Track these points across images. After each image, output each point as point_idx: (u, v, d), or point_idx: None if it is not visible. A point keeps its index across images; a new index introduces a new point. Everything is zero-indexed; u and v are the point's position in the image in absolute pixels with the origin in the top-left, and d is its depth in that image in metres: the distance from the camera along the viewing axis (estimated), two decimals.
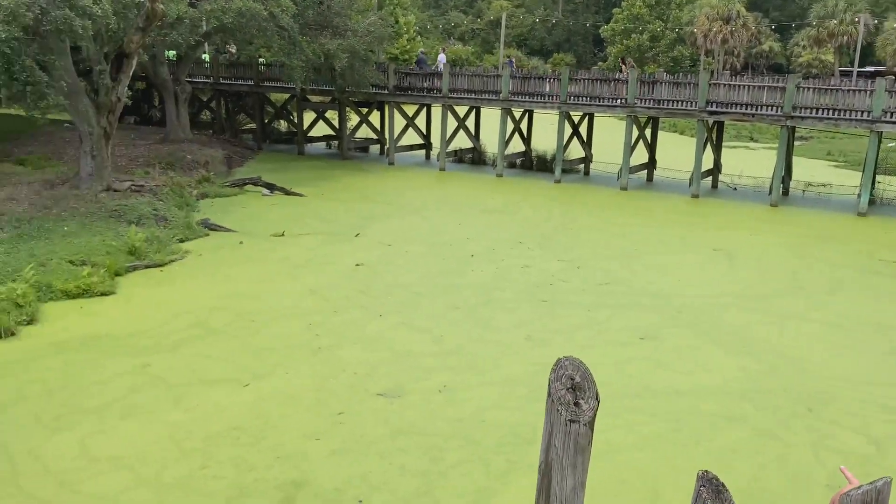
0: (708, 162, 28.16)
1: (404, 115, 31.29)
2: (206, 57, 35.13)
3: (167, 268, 16.15)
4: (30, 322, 12.53)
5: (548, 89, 27.92)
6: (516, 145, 31.69)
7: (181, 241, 18.09)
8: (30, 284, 13.20)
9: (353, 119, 33.42)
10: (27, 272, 13.50)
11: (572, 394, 3.84)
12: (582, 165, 30.74)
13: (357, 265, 16.61)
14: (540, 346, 12.39)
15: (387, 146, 32.15)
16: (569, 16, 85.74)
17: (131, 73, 20.59)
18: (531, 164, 31.31)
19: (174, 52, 30.60)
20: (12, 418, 9.55)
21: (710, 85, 25.29)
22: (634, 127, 27.32)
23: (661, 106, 26.22)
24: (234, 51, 36.21)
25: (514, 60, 36.45)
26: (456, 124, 30.71)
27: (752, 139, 47.24)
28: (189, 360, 11.50)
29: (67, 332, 12.34)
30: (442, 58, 34.12)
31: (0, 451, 8.78)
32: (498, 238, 19.42)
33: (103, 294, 14.16)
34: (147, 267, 16.00)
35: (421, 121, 33.08)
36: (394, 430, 9.51)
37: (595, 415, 3.87)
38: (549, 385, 3.89)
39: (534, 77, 29.03)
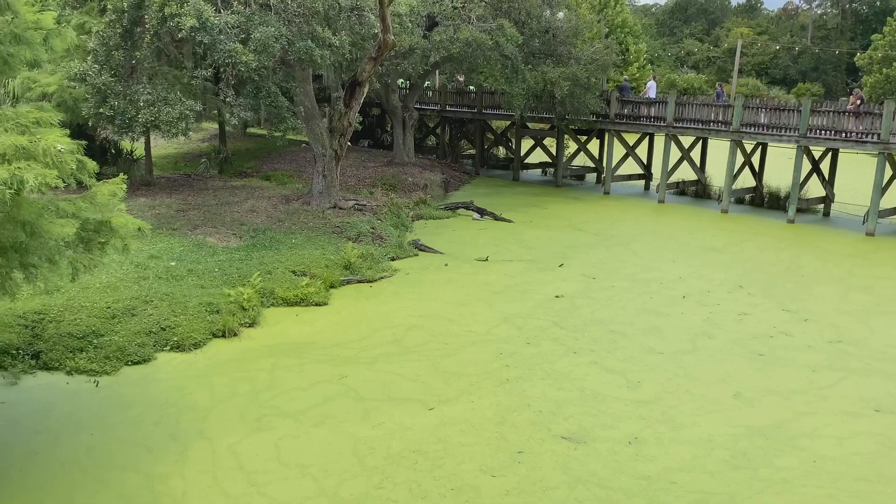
0: None
1: (624, 143, 30.40)
2: (427, 84, 36.80)
3: (376, 284, 16.91)
4: (251, 325, 13.70)
5: (784, 121, 25.56)
6: (746, 180, 29.38)
7: (392, 259, 18.91)
8: (256, 290, 14.47)
9: (571, 147, 33.06)
10: (255, 279, 14.83)
11: None
12: (821, 206, 27.70)
13: (556, 296, 16.22)
14: (748, 406, 11.14)
15: (603, 175, 31.42)
16: (818, 42, 78.60)
17: (363, 100, 22.06)
18: (762, 200, 28.83)
19: (406, 81, 32.44)
20: (222, 413, 10.42)
21: None
22: (888, 165, 24.09)
23: None
24: (461, 79, 37.59)
25: (723, 89, 33.90)
26: (679, 155, 29.20)
27: None
28: (382, 375, 11.85)
29: (281, 338, 13.31)
30: (651, 85, 32.70)
31: (206, 442, 9.60)
32: (715, 279, 17.99)
33: (317, 304, 15.13)
34: (359, 282, 16.89)
35: (642, 150, 31.92)
36: (573, 479, 8.99)
37: None
38: None
39: (769, 108, 26.75)
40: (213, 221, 19.35)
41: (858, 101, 26.09)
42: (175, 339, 12.57)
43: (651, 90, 31.85)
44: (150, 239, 17.04)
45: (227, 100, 17.38)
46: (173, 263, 15.71)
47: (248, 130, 35.31)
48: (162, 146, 30.46)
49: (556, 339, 13.65)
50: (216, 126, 30.93)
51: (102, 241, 9.02)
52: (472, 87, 34.84)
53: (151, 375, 11.57)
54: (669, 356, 13.01)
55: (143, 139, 24.24)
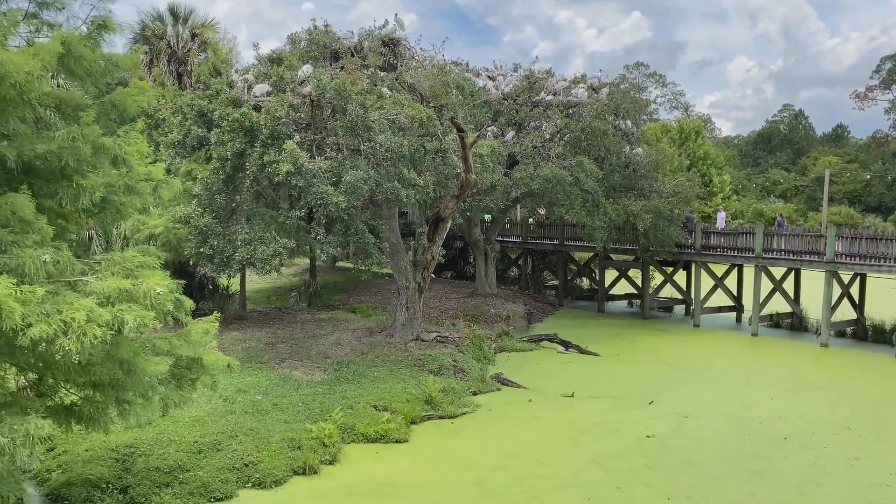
0: None
1: (712, 274, 29.72)
2: (509, 218, 37.55)
3: (458, 420, 16.60)
4: (331, 462, 13.58)
5: (883, 250, 24.53)
6: (846, 312, 27.94)
7: (474, 393, 18.62)
8: (337, 426, 14.45)
9: (657, 278, 32.58)
10: (336, 414, 14.85)
11: None
12: None
13: (647, 436, 15.43)
14: None
15: (692, 307, 30.59)
16: None
17: (445, 235, 22.66)
18: (865, 334, 27.21)
19: (489, 215, 33.26)
20: None
21: None
22: None
23: None
24: (542, 213, 38.25)
25: (784, 219, 33.23)
26: (771, 286, 28.23)
27: None
28: None
29: (360, 476, 13.09)
30: (721, 216, 32.26)
31: None
32: (819, 419, 16.77)
33: (398, 441, 14.91)
34: (440, 417, 16.63)
35: (731, 282, 31.06)
36: None
37: None
38: None
39: (866, 237, 25.81)
40: (300, 354, 19.76)
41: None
42: (257, 475, 12.56)
43: (720, 220, 31.47)
44: (239, 373, 17.47)
45: (318, 238, 18.20)
46: (259, 398, 15.97)
47: (336, 264, 36.61)
48: (256, 281, 31.87)
49: (648, 484, 12.86)
50: (307, 261, 32.27)
51: (193, 377, 9.34)
52: (545, 218, 35.41)
53: None
54: None
55: (239, 275, 25.48)
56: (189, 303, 9.81)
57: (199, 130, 18.99)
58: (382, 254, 19.73)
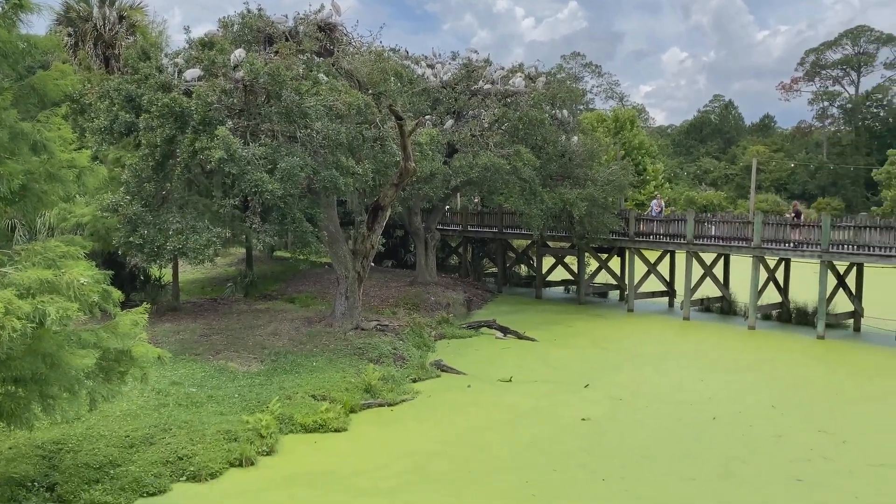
0: None
1: (645, 261, 30.46)
2: (448, 207, 37.65)
3: (397, 407, 16.62)
4: (269, 453, 13.41)
5: (806, 236, 25.59)
6: (771, 296, 29.06)
7: (414, 380, 18.66)
8: (274, 416, 14.27)
9: (592, 264, 33.20)
10: (273, 405, 14.66)
11: None
12: (851, 321, 27.19)
13: (583, 419, 15.76)
14: None
15: (626, 292, 31.32)
16: (834, 158, 79.87)
17: (385, 223, 22.56)
18: (789, 316, 28.38)
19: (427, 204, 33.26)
20: None
21: None
22: None
23: None
24: (476, 201, 38.49)
25: (660, 199, 34.31)
26: (702, 272, 29.13)
27: None
28: None
29: (298, 467, 12.97)
30: (654, 204, 33.12)
31: None
32: (746, 400, 17.43)
33: (337, 430, 14.82)
34: (379, 405, 16.61)
35: (664, 267, 31.92)
36: None
37: None
38: None
39: (789, 224, 26.86)
40: (236, 346, 19.41)
41: (793, 215, 27.66)
42: (192, 468, 12.31)
43: (654, 208, 32.26)
44: (172, 365, 17.01)
45: (254, 226, 17.86)
46: (194, 390, 15.64)
47: (274, 254, 36.04)
48: (190, 271, 31.09)
49: (584, 466, 13.15)
50: (243, 251, 31.65)
51: (122, 370, 9.07)
52: (484, 206, 35.61)
53: None
54: (703, 483, 12.43)
55: (171, 265, 24.82)
56: (117, 293, 9.51)
57: (128, 116, 18.35)
58: (321, 243, 19.50)
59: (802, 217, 29.28)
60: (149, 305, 10.41)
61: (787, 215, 30.15)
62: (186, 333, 20.75)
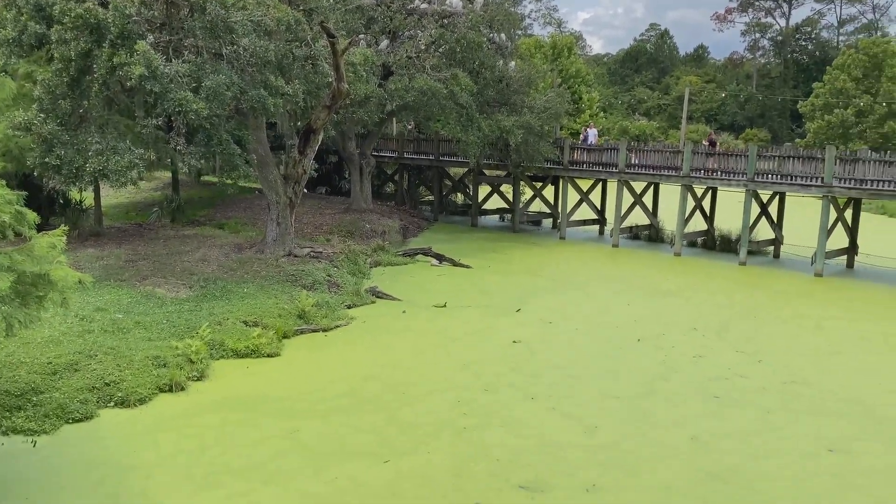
0: None
1: (578, 189, 30.85)
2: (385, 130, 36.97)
3: (331, 333, 16.62)
4: (199, 378, 13.27)
5: (733, 166, 26.28)
6: (698, 224, 29.98)
7: (349, 307, 18.65)
8: (204, 342, 14.07)
9: (527, 193, 33.47)
10: (203, 330, 14.43)
11: None
12: (771, 248, 28.38)
13: (514, 342, 16.13)
14: (705, 450, 11.09)
15: (559, 220, 31.78)
16: (763, 90, 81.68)
17: (318, 147, 22.02)
18: (714, 243, 29.43)
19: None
20: (167, 471, 9.98)
21: None
22: (832, 208, 24.84)
23: (865, 186, 23.64)
24: (411, 126, 37.93)
25: (592, 127, 34.54)
26: (632, 200, 29.74)
27: None
28: (336, 428, 11.53)
29: (230, 391, 12.90)
30: (590, 133, 33.33)
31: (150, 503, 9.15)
32: (669, 322, 18.12)
33: (269, 356, 14.76)
34: (313, 331, 16.58)
35: (596, 196, 32.43)
36: None
37: None
38: None
39: (718, 154, 27.51)
40: (163, 272, 18.91)
41: (707, 143, 28.89)
42: (119, 394, 12.09)
43: (589, 137, 32.43)
44: (96, 291, 16.54)
45: (179, 148, 17.13)
46: (120, 316, 15.22)
47: (201, 178, 34.91)
48: (113, 196, 29.89)
49: (513, 385, 13.51)
50: (169, 175, 30.54)
51: (40, 294, 8.69)
52: (420, 133, 35.10)
53: (93, 434, 11.06)
54: (626, 400, 12.96)
55: (92, 189, 23.76)
56: (32, 216, 9.03)
57: (38, 27, 17.05)
58: (250, 167, 18.90)
59: (718, 146, 30.11)
60: (68, 229, 9.94)
61: (703, 143, 31.08)
62: (111, 259, 20.07)
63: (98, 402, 11.89)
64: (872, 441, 11.56)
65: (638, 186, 30.27)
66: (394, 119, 35.43)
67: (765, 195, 27.87)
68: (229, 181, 19.14)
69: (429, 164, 35.15)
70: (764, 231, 28.69)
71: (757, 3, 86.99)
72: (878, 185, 23.35)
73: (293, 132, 22.88)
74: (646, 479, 10.10)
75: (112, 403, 11.96)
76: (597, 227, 32.76)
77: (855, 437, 11.67)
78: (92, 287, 14.34)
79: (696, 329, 17.59)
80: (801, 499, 9.69)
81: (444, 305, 19.01)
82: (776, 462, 10.72)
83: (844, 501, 9.67)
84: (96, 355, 12.97)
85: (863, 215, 28.42)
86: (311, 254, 22.08)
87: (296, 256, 21.48)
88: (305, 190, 27.72)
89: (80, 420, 11.39)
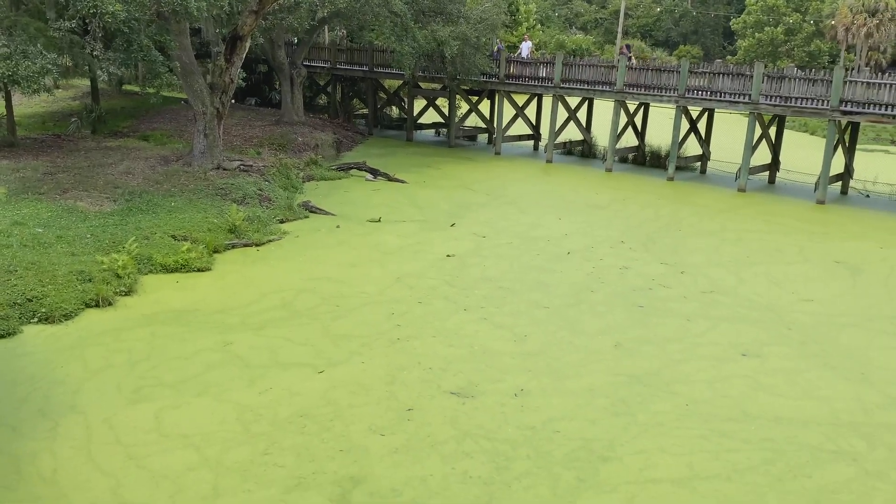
0: (838, 166, 25.92)
1: (514, 104, 30.71)
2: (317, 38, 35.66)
3: (264, 247, 16.45)
4: (127, 293, 13.02)
5: (665, 82, 26.54)
6: (629, 139, 30.42)
7: (281, 221, 18.42)
8: (131, 256, 13.74)
9: (463, 107, 33.13)
10: (130, 244, 14.07)
11: None
12: (699, 164, 29.12)
13: (448, 255, 16.32)
14: (628, 355, 11.65)
15: (494, 135, 31.71)
16: (698, 6, 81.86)
17: (246, 56, 21.13)
18: (644, 159, 29.98)
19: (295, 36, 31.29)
20: (96, 386, 9.90)
21: (845, 82, 23.17)
22: (757, 125, 25.54)
23: (789, 104, 24.30)
24: (343, 34, 36.65)
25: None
26: (567, 115, 29.83)
27: (893, 142, 43.31)
28: (270, 341, 11.58)
29: (160, 306, 12.73)
30: (524, 46, 32.93)
31: (79, 417, 9.10)
32: (598, 236, 18.60)
33: (200, 270, 14.56)
34: (245, 245, 16.36)
35: (531, 111, 32.37)
36: (461, 433, 9.14)
37: None
38: None
39: (650, 69, 27.68)
40: (85, 185, 18.17)
41: (622, 54, 29.75)
42: (43, 310, 11.78)
43: (524, 50, 32.06)
44: (13, 204, 15.84)
45: (95, 54, 16.19)
46: (40, 230, 14.65)
47: (123, 88, 33.22)
48: (27, 104, 28.20)
49: (447, 298, 13.76)
50: (88, 83, 28.93)
51: None
52: (353, 43, 33.98)
53: (17, 350, 10.81)
54: (555, 310, 13.39)
55: (3, 96, 22.36)
56: None
57: None
58: (174, 75, 18.07)
59: (633, 59, 30.39)
60: None
61: (620, 54, 31.46)
62: (28, 171, 19.12)
63: (20, 318, 11.58)
64: (782, 345, 12.33)
65: (573, 102, 30.33)
66: (326, 27, 34.15)
67: (695, 111, 28.34)
68: (152, 90, 18.30)
69: (363, 76, 34.26)
70: (692, 147, 29.35)
71: None
72: (801, 103, 24.02)
73: (219, 39, 21.85)
74: (571, 384, 10.57)
75: (35, 319, 11.66)
76: (531, 142, 32.86)
77: (766, 342, 12.41)
78: (8, 199, 13.71)
79: (623, 242, 18.12)
80: (716, 399, 10.33)
81: (379, 220, 18.98)
82: (693, 365, 11.36)
83: (754, 400, 10.37)
84: (16, 271, 12.54)
85: (786, 133, 29.31)
86: (241, 167, 21.54)
87: (225, 170, 20.92)
88: (234, 101, 26.74)
89: (2, 336, 11.10)
